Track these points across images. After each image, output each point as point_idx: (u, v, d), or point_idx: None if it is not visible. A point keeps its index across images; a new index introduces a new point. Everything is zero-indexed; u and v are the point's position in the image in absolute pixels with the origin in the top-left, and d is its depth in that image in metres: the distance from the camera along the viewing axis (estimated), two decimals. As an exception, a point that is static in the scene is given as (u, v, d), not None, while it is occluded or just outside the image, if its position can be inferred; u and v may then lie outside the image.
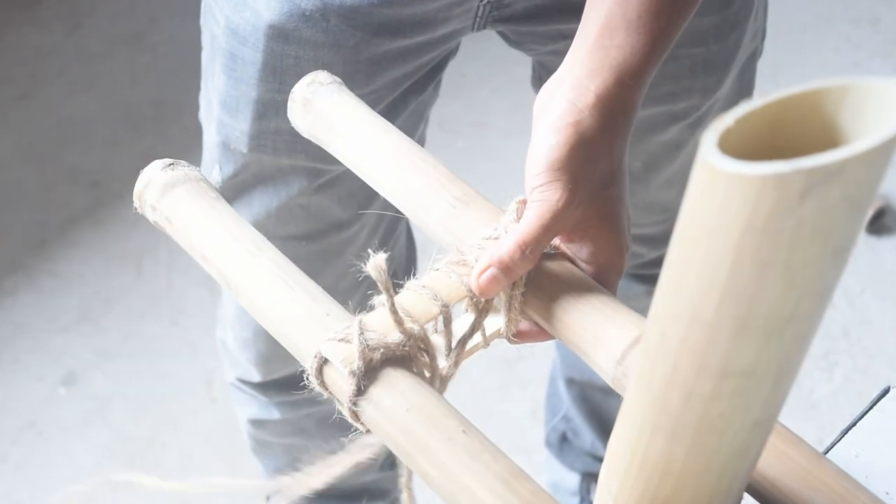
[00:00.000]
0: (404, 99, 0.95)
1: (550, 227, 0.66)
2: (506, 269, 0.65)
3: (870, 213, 1.95)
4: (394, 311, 0.61)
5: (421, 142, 1.06)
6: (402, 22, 0.87)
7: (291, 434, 1.24)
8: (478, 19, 0.89)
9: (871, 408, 0.74)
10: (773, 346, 0.40)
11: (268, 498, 1.50)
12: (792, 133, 0.37)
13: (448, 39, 0.92)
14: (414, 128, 1.00)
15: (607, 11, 0.65)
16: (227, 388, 1.28)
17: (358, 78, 0.88)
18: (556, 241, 0.70)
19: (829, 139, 0.37)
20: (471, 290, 0.66)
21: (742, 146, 0.36)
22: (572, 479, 1.52)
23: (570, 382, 1.42)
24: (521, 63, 0.99)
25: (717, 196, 0.35)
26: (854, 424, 0.72)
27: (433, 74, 0.97)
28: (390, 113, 0.94)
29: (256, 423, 1.26)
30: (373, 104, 0.91)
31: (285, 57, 0.88)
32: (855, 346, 1.83)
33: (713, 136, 0.35)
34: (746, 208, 0.35)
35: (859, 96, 0.36)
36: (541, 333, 0.70)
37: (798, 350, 0.42)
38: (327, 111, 0.77)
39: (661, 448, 0.45)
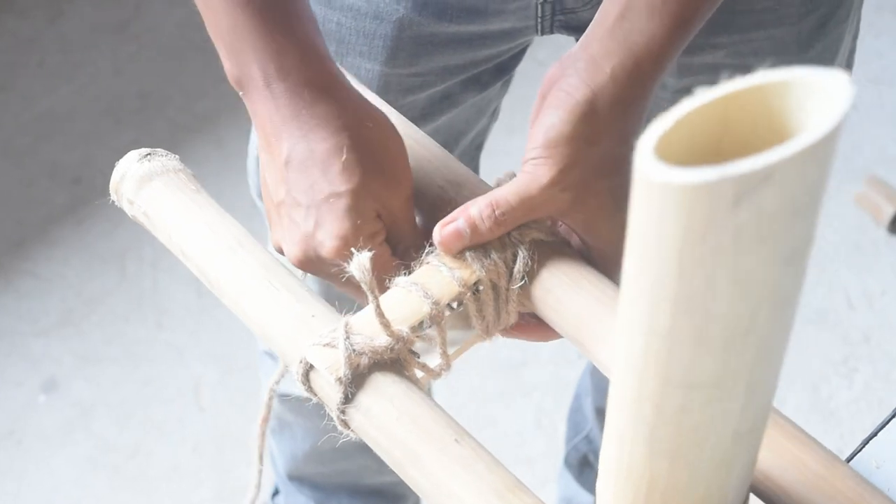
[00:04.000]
0: (462, 92, 0.95)
1: (529, 201, 0.66)
2: (472, 225, 0.66)
3: (891, 213, 1.95)
4: (380, 315, 0.61)
5: (481, 135, 1.07)
6: (450, 5, 0.87)
7: (316, 415, 1.25)
8: (540, 20, 0.88)
9: (893, 416, 0.74)
10: (736, 357, 0.40)
11: (272, 496, 1.51)
12: (741, 132, 0.37)
13: (507, 38, 0.91)
14: (472, 121, 1.01)
15: None
16: (252, 364, 1.28)
17: (401, 56, 0.89)
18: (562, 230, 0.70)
19: (779, 136, 0.36)
20: (464, 285, 0.66)
21: (689, 148, 0.36)
22: (588, 499, 1.53)
23: (600, 412, 1.44)
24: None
25: (654, 207, 0.35)
26: (875, 434, 0.72)
27: (498, 74, 0.96)
28: (443, 102, 0.94)
29: (283, 398, 1.26)
30: (418, 88, 0.91)
31: (327, 21, 0.89)
32: (876, 351, 1.83)
33: (649, 141, 0.35)
34: (682, 218, 0.35)
35: (802, 90, 0.36)
36: (537, 328, 0.70)
37: (766, 361, 0.42)
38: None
39: (644, 460, 0.46)
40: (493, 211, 0.66)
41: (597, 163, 0.66)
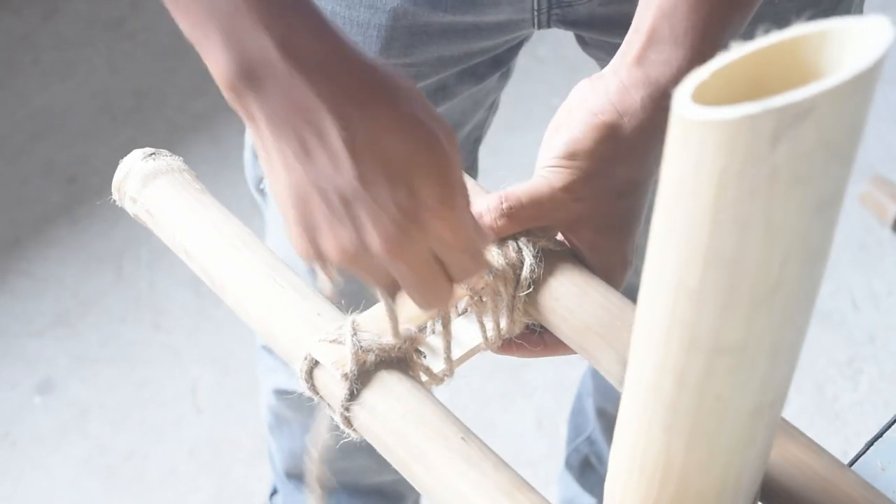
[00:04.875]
0: (458, 84, 0.96)
1: (539, 203, 0.67)
2: (478, 214, 0.67)
3: (895, 212, 1.95)
4: (391, 311, 0.62)
5: (479, 128, 1.07)
6: None
7: (316, 411, 1.26)
8: (536, 14, 0.89)
9: (899, 418, 0.74)
10: (763, 316, 0.41)
11: (270, 496, 1.51)
12: (774, 86, 0.37)
13: (503, 30, 0.92)
14: (469, 113, 1.01)
15: (653, 23, 0.67)
16: (254, 357, 1.29)
17: (395, 46, 0.89)
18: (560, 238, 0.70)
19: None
20: (471, 289, 0.66)
21: (721, 102, 0.36)
22: (590, 501, 1.53)
23: (602, 413, 1.44)
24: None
25: (692, 148, 0.36)
26: (880, 435, 0.72)
27: (494, 66, 0.97)
28: (438, 93, 0.95)
29: (281, 395, 1.27)
30: (412, 78, 0.91)
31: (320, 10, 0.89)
32: (881, 352, 1.83)
33: (687, 89, 0.36)
34: (720, 158, 0.36)
35: (838, 40, 0.37)
36: (543, 345, 0.71)
37: (791, 323, 0.42)
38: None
39: (660, 441, 0.46)
40: (501, 203, 0.67)
41: (614, 181, 0.67)
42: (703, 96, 0.36)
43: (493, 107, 1.07)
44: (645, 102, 0.67)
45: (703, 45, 0.66)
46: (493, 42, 0.93)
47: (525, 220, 0.68)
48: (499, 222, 0.68)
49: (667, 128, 0.67)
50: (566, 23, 0.90)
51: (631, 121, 0.67)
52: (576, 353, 0.68)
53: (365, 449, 1.23)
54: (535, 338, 0.72)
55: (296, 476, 1.40)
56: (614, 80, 0.68)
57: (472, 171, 1.11)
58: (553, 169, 0.67)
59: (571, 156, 0.67)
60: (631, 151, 0.67)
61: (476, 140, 1.09)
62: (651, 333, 0.43)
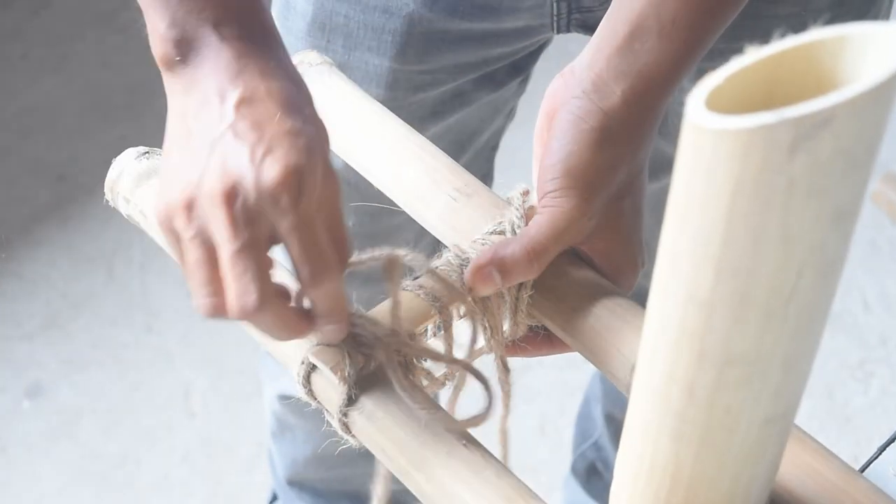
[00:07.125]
0: (475, 90, 0.96)
1: (562, 236, 0.66)
2: (506, 272, 0.66)
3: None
4: (395, 316, 0.62)
5: (497, 135, 1.08)
6: (462, 1, 0.87)
7: (319, 419, 1.26)
8: (556, 19, 0.89)
9: (911, 422, 0.74)
10: (776, 327, 0.41)
11: (270, 502, 1.51)
12: (789, 92, 0.37)
13: (522, 36, 0.91)
14: (487, 120, 1.01)
15: (640, 12, 0.65)
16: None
17: (409, 52, 0.90)
18: None
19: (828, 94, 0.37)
20: (471, 291, 0.66)
21: (736, 107, 0.36)
22: None
23: (610, 419, 1.44)
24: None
25: (705, 157, 0.36)
26: (893, 440, 0.72)
27: (513, 72, 0.97)
28: (455, 100, 0.95)
29: (285, 400, 1.27)
30: (428, 85, 0.92)
31: (335, 14, 0.90)
32: (893, 355, 1.83)
33: (701, 94, 0.36)
34: (734, 168, 0.36)
35: (856, 45, 0.37)
36: (544, 343, 0.71)
37: (805, 334, 0.42)
38: (316, 94, 0.77)
39: (668, 451, 0.46)
40: (530, 259, 0.66)
41: (615, 186, 0.67)
42: (717, 102, 0.36)
43: (510, 114, 1.07)
44: (627, 96, 0.65)
45: (690, 38, 0.65)
46: (511, 48, 0.93)
47: (553, 256, 0.67)
48: (531, 275, 0.66)
49: (652, 119, 0.67)
50: (586, 27, 0.90)
51: (616, 118, 0.66)
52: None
53: (368, 456, 1.24)
54: (538, 339, 0.72)
55: (297, 483, 1.40)
56: (589, 76, 0.66)
57: (488, 179, 1.11)
58: (559, 192, 0.66)
59: (573, 173, 0.65)
60: (623, 150, 0.66)
61: (493, 148, 1.09)
62: (660, 342, 0.43)
